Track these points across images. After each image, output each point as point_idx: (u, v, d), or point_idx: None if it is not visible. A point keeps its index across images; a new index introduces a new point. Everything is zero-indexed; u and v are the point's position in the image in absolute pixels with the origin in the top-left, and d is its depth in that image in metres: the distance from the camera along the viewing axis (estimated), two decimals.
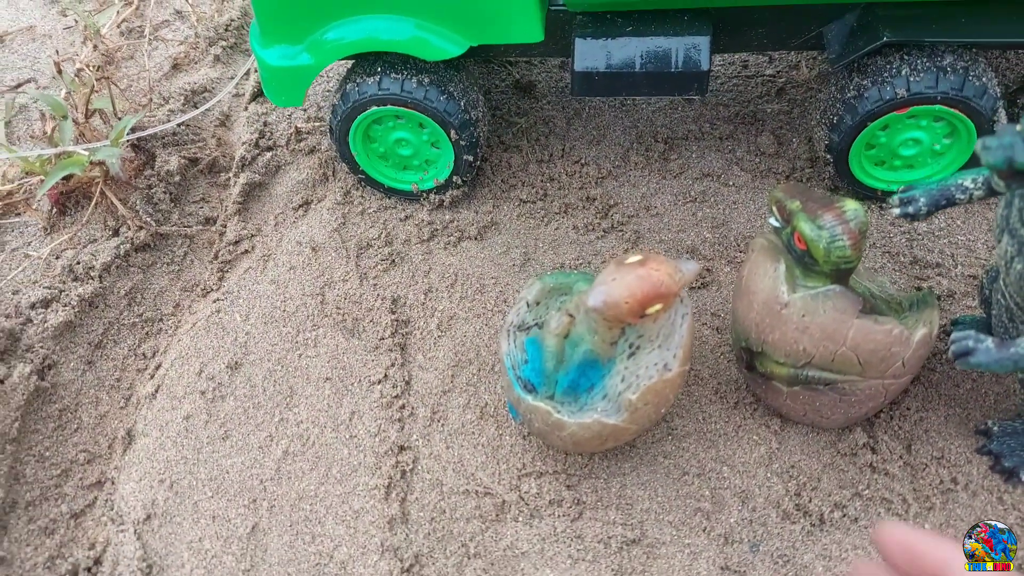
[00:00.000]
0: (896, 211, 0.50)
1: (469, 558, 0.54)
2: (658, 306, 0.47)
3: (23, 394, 0.63)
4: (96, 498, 0.63)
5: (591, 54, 0.66)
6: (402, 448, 0.60)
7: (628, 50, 0.65)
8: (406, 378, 0.64)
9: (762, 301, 0.52)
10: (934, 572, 0.29)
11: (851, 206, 0.48)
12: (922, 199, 0.49)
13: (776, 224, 0.52)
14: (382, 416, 0.62)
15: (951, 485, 0.55)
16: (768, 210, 0.53)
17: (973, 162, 0.66)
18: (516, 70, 0.89)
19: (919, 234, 0.69)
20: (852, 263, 0.49)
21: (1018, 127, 0.38)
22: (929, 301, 0.52)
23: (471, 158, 0.72)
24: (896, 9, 0.62)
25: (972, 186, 0.48)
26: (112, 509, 0.61)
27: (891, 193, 0.69)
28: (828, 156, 0.68)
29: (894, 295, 0.57)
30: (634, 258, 0.49)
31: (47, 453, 0.64)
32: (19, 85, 0.98)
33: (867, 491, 0.55)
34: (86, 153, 0.73)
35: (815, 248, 0.48)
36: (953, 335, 0.44)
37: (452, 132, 0.69)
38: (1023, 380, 0.50)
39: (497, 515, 0.56)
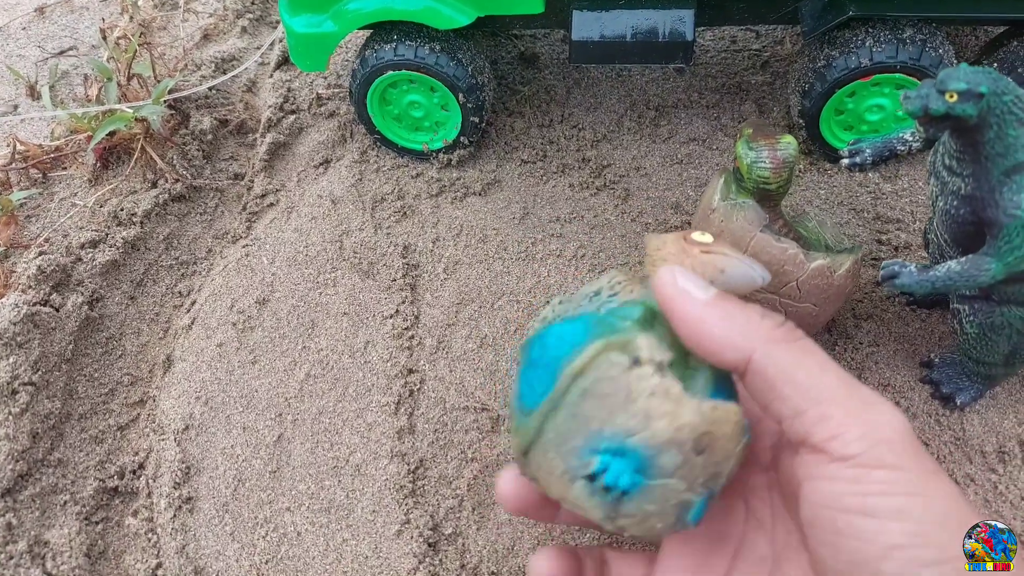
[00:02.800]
0: (845, 161, 0.57)
1: (467, 462, 0.62)
2: None
3: (76, 321, 0.71)
4: (139, 414, 0.71)
5: (587, 25, 0.73)
6: (410, 371, 0.68)
7: (620, 22, 0.72)
8: (415, 313, 0.72)
9: (702, 207, 0.60)
10: None
11: (786, 140, 0.55)
12: (868, 151, 0.56)
13: None
14: (393, 345, 0.70)
15: None
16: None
17: None
18: (521, 43, 0.96)
19: (883, 193, 0.76)
20: (771, 186, 0.55)
21: (934, 81, 0.45)
22: (854, 250, 0.59)
23: (477, 120, 0.79)
24: None
25: (911, 139, 0.54)
26: (154, 422, 0.69)
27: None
28: (801, 121, 0.75)
29: (844, 246, 0.63)
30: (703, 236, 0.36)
31: (96, 374, 0.72)
32: (62, 52, 1.06)
33: None
34: (131, 111, 0.81)
35: (741, 164, 0.56)
36: (883, 262, 0.51)
37: (460, 95, 0.77)
38: (956, 312, 0.57)
39: (492, 427, 0.63)
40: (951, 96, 0.44)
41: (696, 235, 0.34)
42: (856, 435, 0.28)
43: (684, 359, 0.31)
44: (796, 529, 0.33)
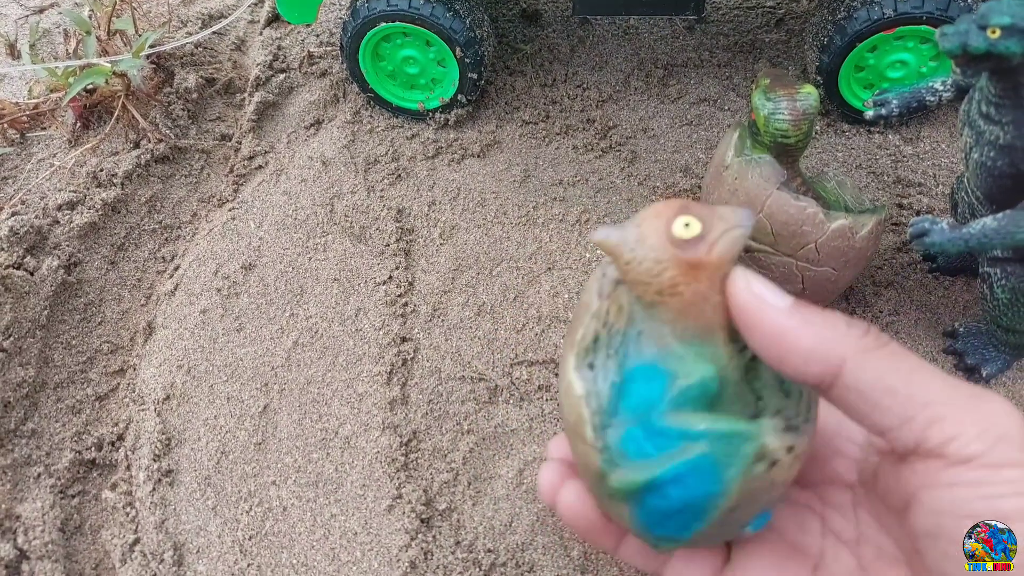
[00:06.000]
0: (869, 113, 0.53)
1: (463, 434, 0.58)
2: None
3: (51, 285, 0.68)
4: (119, 384, 0.67)
5: None
6: (404, 339, 0.64)
7: None
8: (409, 279, 0.68)
9: (714, 164, 0.57)
10: None
11: (806, 89, 0.51)
12: (894, 101, 0.52)
13: None
14: (386, 312, 0.66)
15: None
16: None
17: None
18: (523, 0, 0.91)
19: (904, 156, 0.72)
20: (789, 140, 0.51)
21: (974, 15, 0.41)
22: (876, 210, 0.55)
23: (475, 76, 0.75)
24: None
25: (941, 88, 0.50)
26: (134, 391, 0.65)
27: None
28: (818, 78, 0.70)
29: (865, 208, 0.60)
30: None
31: (73, 342, 0.68)
32: (42, 9, 1.01)
33: None
34: (108, 65, 0.76)
35: (758, 117, 0.52)
36: (912, 220, 0.47)
37: (457, 49, 0.72)
38: (985, 275, 0.53)
39: (490, 398, 0.60)
40: (993, 32, 0.40)
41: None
42: (974, 434, 0.25)
43: (744, 377, 0.28)
44: (890, 545, 0.30)
